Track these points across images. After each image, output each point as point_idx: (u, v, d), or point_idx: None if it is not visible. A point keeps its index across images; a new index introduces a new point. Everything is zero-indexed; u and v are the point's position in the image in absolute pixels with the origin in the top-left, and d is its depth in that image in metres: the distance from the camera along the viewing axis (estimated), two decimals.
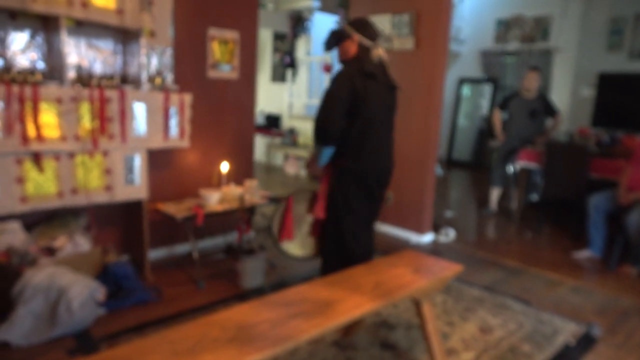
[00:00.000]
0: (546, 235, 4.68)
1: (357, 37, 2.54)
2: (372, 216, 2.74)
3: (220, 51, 3.61)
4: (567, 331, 2.69)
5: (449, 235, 4.38)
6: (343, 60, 2.61)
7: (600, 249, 3.91)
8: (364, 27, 2.58)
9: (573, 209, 5.02)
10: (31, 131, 2.44)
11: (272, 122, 8.50)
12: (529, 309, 2.96)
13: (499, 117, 5.35)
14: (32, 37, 2.69)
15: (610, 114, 6.63)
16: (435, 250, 4.07)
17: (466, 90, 9.01)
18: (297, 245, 3.00)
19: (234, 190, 3.34)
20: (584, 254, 4.00)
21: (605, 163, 4.24)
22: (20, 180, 2.47)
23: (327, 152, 2.54)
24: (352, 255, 2.58)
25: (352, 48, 2.56)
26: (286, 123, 8.29)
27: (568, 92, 7.44)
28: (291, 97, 8.34)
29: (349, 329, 2.49)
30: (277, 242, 2.87)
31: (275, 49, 8.97)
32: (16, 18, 2.62)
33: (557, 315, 2.88)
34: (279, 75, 9.00)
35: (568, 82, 7.45)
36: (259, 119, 8.45)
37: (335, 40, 2.61)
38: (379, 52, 2.56)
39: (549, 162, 4.48)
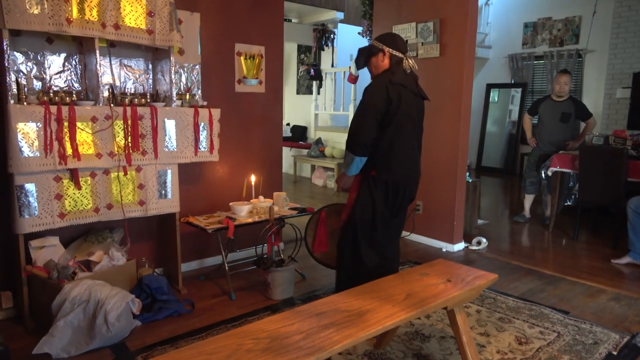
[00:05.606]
0: (583, 242, 4.53)
1: (388, 50, 2.59)
2: (395, 230, 2.75)
3: (246, 66, 3.68)
4: (609, 341, 2.59)
5: (481, 243, 4.29)
6: (375, 75, 2.65)
7: None
8: (394, 40, 2.63)
9: (610, 214, 4.86)
10: (68, 149, 2.53)
11: (299, 134, 8.55)
12: (567, 318, 2.86)
13: (529, 122, 5.26)
14: (68, 59, 2.81)
15: None
16: (467, 259, 3.99)
17: (494, 95, 8.87)
18: (331, 256, 3.03)
19: (263, 202, 3.37)
20: (623, 260, 3.85)
21: None
22: (59, 196, 2.56)
23: (358, 162, 2.56)
24: (363, 268, 2.59)
25: (384, 62, 2.61)
26: (313, 135, 8.33)
27: (601, 94, 7.24)
28: (317, 109, 8.39)
29: (381, 340, 2.46)
30: (312, 253, 2.94)
31: (300, 62, 9.07)
32: (52, 42, 2.74)
33: (598, 325, 2.77)
34: (304, 88, 9.08)
35: (601, 83, 7.26)
36: (285, 131, 8.53)
37: (366, 56, 2.66)
38: (410, 63, 2.60)
39: (584, 166, 4.35)
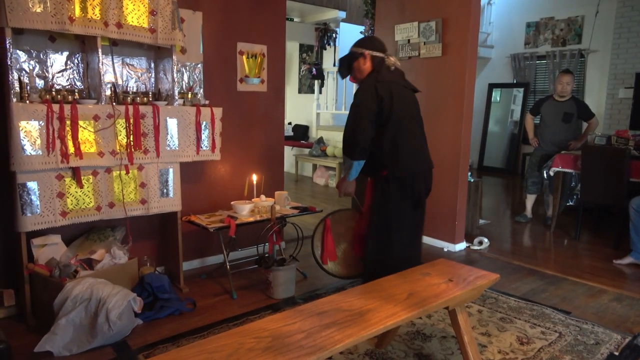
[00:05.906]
0: (585, 242, 4.52)
1: (368, 53, 2.63)
2: (418, 224, 2.75)
3: (248, 65, 3.68)
4: (611, 342, 2.58)
5: (483, 243, 4.29)
6: (361, 79, 2.68)
7: None
8: (371, 42, 2.69)
9: (612, 214, 4.85)
10: (70, 148, 2.53)
11: (301, 133, 8.55)
12: (569, 318, 2.86)
13: (531, 122, 5.25)
14: (70, 57, 2.81)
15: None
16: (468, 259, 3.99)
17: (497, 95, 8.86)
18: (341, 265, 3.00)
19: (264, 201, 3.38)
20: (625, 261, 3.84)
21: None
22: (61, 195, 2.57)
23: (357, 166, 2.58)
24: (396, 265, 2.57)
25: (366, 65, 2.64)
26: (314, 134, 8.34)
27: (603, 94, 7.22)
28: (319, 108, 8.39)
29: (382, 340, 2.46)
30: (321, 264, 2.90)
31: (302, 61, 9.07)
32: (55, 41, 2.74)
33: (600, 326, 2.77)
34: (306, 87, 9.08)
35: (603, 83, 7.24)
36: (286, 130, 8.53)
37: (347, 63, 2.70)
38: (392, 60, 2.64)
39: (586, 167, 4.35)
